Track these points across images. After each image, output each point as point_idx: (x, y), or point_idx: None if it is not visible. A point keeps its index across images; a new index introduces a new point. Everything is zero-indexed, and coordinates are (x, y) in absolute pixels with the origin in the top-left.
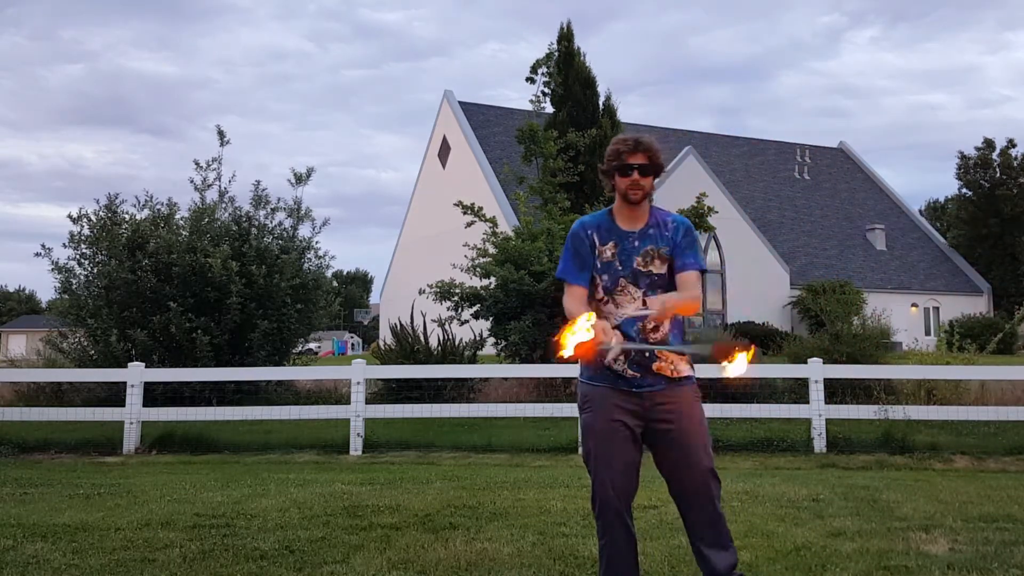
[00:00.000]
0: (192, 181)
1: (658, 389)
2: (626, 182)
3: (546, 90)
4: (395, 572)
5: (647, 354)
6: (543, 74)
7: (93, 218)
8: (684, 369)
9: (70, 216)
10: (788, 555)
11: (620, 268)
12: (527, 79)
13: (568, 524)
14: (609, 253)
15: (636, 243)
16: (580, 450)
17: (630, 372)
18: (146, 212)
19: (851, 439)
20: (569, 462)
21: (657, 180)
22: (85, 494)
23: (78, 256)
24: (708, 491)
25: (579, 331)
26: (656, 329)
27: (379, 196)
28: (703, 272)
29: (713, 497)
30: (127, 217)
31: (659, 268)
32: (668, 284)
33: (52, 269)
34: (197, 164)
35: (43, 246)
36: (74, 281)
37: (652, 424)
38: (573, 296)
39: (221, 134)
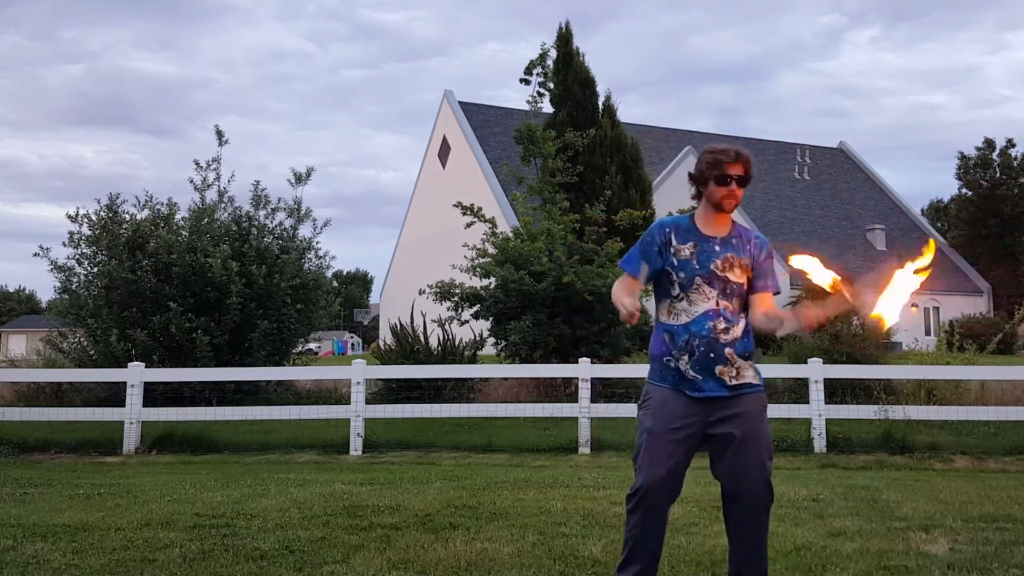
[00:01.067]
0: (192, 181)
1: (719, 395)
2: (723, 191)
3: (542, 91)
4: (395, 572)
5: (712, 355)
6: (538, 74)
7: (94, 218)
8: (747, 376)
9: (69, 215)
10: (788, 555)
11: (697, 267)
12: (521, 80)
13: (568, 524)
14: (687, 252)
15: (717, 248)
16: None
17: (691, 374)
18: (146, 212)
19: (851, 439)
20: (569, 462)
21: (657, 180)
22: (85, 494)
23: (78, 256)
24: (759, 502)
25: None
26: (727, 331)
27: (379, 196)
28: (777, 294)
29: (762, 509)
30: (127, 217)
31: (737, 277)
32: (743, 294)
33: (51, 269)
34: (197, 164)
35: (41, 247)
36: (74, 281)
37: (711, 429)
38: (623, 284)
39: (220, 134)
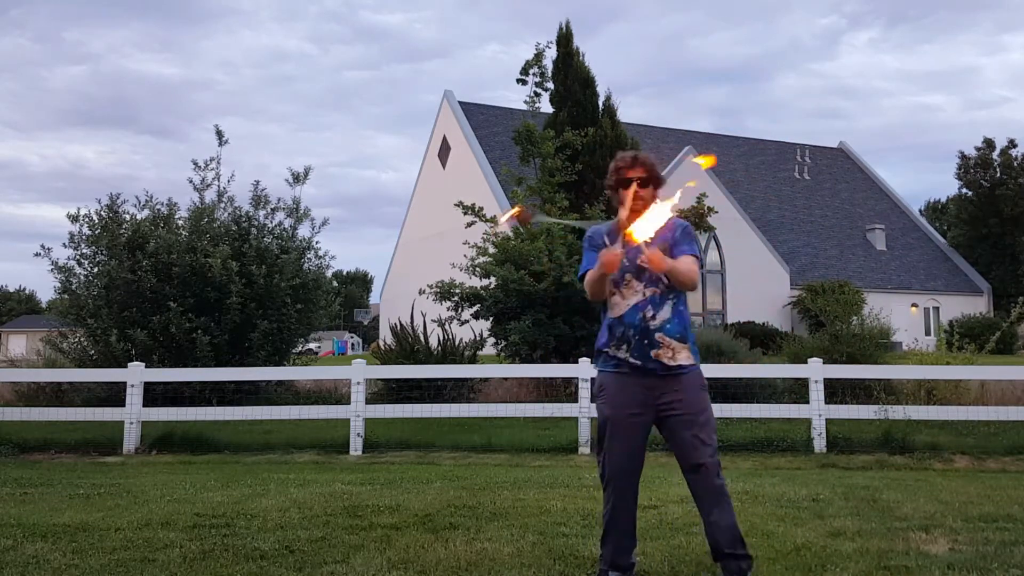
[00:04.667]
0: (191, 181)
1: (660, 375)
2: (625, 194)
3: (539, 90)
4: (395, 572)
5: (645, 342)
6: (534, 74)
7: (95, 218)
8: (682, 358)
9: (70, 216)
10: (788, 555)
11: (626, 264)
12: (518, 80)
13: (568, 524)
14: None
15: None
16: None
17: (631, 360)
18: (146, 212)
19: (851, 439)
20: (569, 462)
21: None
22: (85, 494)
23: (78, 256)
24: (709, 471)
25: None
26: (655, 316)
27: (379, 196)
28: (697, 259)
29: (713, 474)
30: (128, 217)
31: None
32: (669, 281)
33: (52, 269)
34: (195, 164)
35: (43, 246)
36: (74, 281)
37: (658, 407)
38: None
39: (219, 134)
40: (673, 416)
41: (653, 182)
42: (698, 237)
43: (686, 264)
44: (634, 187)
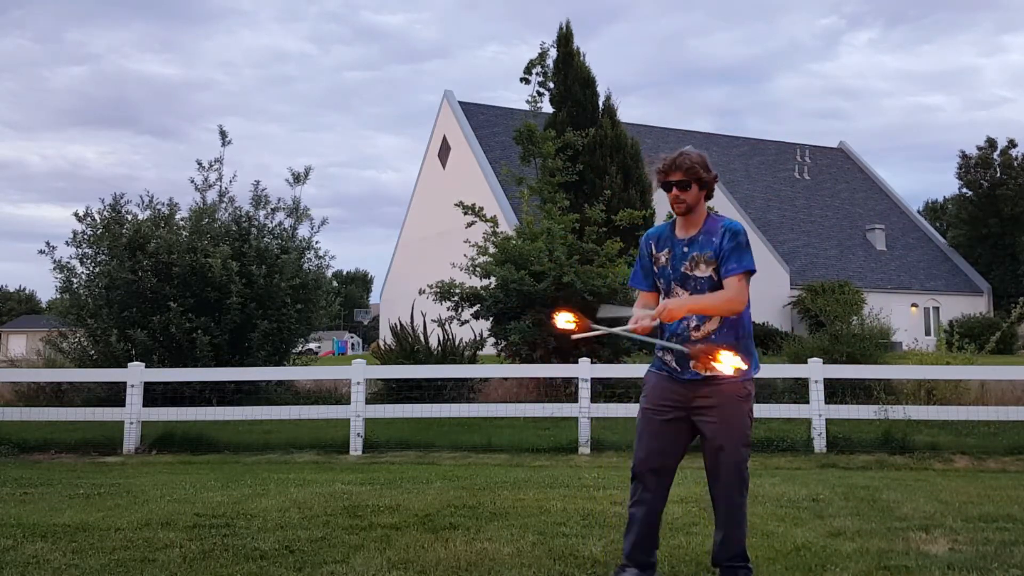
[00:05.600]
0: (193, 181)
1: (696, 378)
2: (670, 198)
3: (542, 90)
4: (395, 572)
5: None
6: (538, 74)
7: (97, 218)
8: (718, 368)
9: (76, 215)
10: (788, 555)
11: (671, 272)
12: (521, 79)
13: (568, 524)
14: (664, 259)
15: (686, 249)
16: None
17: (673, 365)
18: (148, 212)
19: (851, 439)
20: (569, 462)
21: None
22: (85, 494)
23: (80, 255)
24: (732, 482)
25: (728, 357)
26: (699, 328)
27: (379, 196)
28: (749, 272)
29: (735, 490)
30: (130, 217)
31: (704, 272)
32: (715, 286)
33: (54, 268)
34: (199, 164)
35: (47, 244)
36: (75, 280)
37: (691, 410)
38: (640, 301)
39: (223, 134)
40: (704, 423)
41: (697, 183)
42: (746, 238)
43: (726, 293)
44: (675, 192)
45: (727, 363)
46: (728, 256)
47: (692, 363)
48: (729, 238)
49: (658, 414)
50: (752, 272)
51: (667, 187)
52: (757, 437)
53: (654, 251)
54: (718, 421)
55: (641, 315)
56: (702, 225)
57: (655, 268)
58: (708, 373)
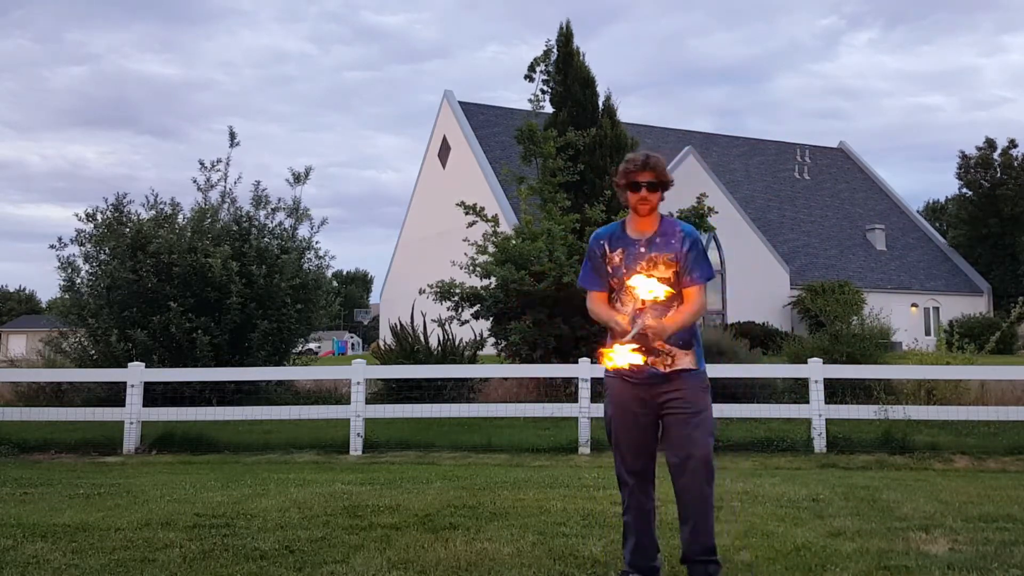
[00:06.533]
0: (195, 181)
1: (656, 381)
2: (635, 197)
3: (545, 88)
4: (395, 572)
5: (643, 349)
6: (541, 72)
7: (99, 218)
8: (683, 363)
9: (81, 214)
10: (788, 555)
11: (624, 272)
12: (525, 77)
13: (568, 524)
14: (617, 259)
15: (642, 249)
16: None
17: (631, 365)
18: (152, 212)
19: (851, 439)
20: (569, 462)
21: (667, 192)
22: (85, 494)
23: (83, 254)
24: (700, 476)
25: (625, 352)
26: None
27: (379, 196)
28: (710, 278)
29: (703, 478)
30: (133, 218)
31: (663, 273)
32: (673, 287)
33: (59, 266)
34: (202, 164)
35: (59, 239)
36: (77, 279)
37: (658, 406)
38: (594, 300)
39: (232, 135)
40: (670, 414)
41: (662, 187)
42: (704, 245)
43: (690, 306)
44: (643, 192)
45: (622, 357)
46: (692, 266)
47: (648, 360)
48: (691, 245)
49: (628, 418)
50: (710, 278)
51: (635, 187)
52: (757, 437)
53: (607, 251)
54: (688, 411)
55: (646, 326)
56: (658, 226)
57: (608, 268)
58: (668, 370)
